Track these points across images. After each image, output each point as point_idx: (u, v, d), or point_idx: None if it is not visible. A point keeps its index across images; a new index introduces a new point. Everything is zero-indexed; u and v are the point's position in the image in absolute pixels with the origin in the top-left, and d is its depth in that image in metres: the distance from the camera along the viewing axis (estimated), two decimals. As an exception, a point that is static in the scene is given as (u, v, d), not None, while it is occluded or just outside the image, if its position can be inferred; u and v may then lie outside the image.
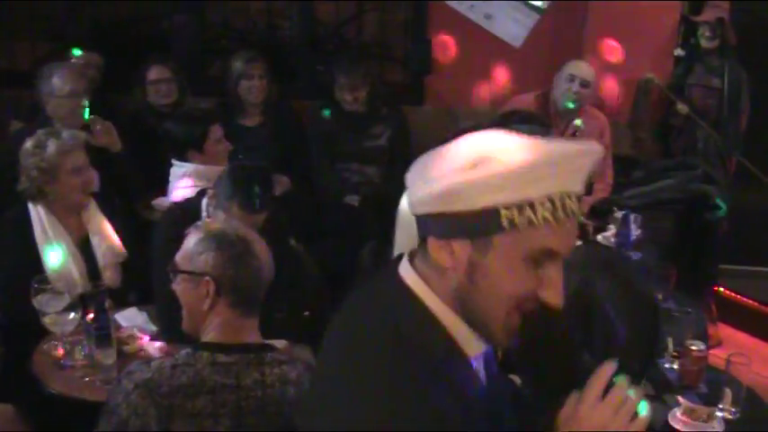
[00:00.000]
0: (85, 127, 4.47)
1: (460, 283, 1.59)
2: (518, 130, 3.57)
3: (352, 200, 5.35)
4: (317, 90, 5.65)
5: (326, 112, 5.47)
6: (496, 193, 1.51)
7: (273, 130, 5.43)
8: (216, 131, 4.42)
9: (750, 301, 5.95)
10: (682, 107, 5.62)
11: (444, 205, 1.55)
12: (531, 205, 1.51)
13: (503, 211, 1.51)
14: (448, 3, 5.82)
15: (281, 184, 5.12)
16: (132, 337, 3.38)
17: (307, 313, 3.85)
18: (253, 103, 5.38)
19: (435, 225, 1.59)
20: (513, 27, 5.85)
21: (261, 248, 2.46)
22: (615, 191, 5.37)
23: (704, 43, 5.71)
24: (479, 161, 1.53)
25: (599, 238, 4.76)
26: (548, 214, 1.52)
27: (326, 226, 5.08)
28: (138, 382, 2.26)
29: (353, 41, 6.50)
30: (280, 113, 5.48)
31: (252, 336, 2.43)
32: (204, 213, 3.64)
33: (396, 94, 5.86)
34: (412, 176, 1.62)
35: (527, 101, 5.34)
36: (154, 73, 5.28)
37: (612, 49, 5.78)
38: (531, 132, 3.49)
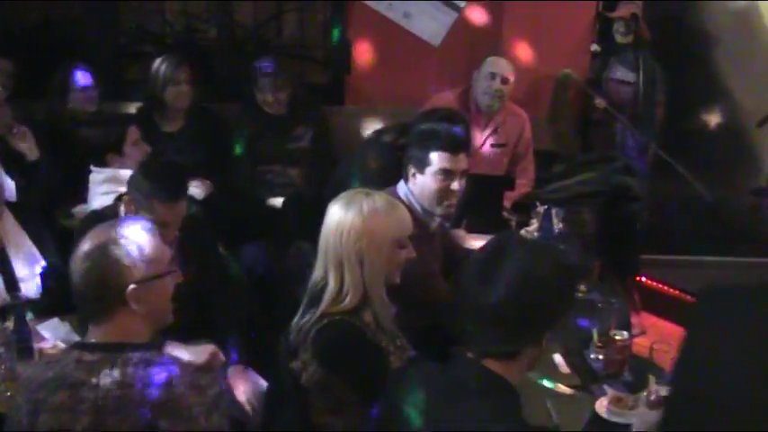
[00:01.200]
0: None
1: None
2: (438, 129, 3.61)
3: (275, 202, 5.31)
4: (238, 93, 5.60)
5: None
6: None
7: (195, 134, 5.36)
8: (133, 133, 4.36)
9: (672, 290, 6.04)
10: (599, 101, 5.71)
11: None
12: None
13: None
14: (367, 2, 5.81)
15: (204, 187, 5.06)
16: (55, 349, 3.31)
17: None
18: (178, 108, 5.30)
19: None
20: (431, 25, 5.86)
21: (77, 257, 2.37)
22: (537, 185, 5.41)
23: (619, 39, 5.83)
24: None
25: (522, 232, 4.80)
26: None
27: (250, 229, 5.03)
28: (21, 381, 2.27)
29: (273, 43, 6.45)
30: (201, 117, 5.40)
31: (122, 335, 2.35)
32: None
33: (316, 95, 5.83)
34: None
35: (447, 99, 5.36)
36: (78, 79, 5.17)
37: (530, 46, 5.83)
38: (450, 131, 3.54)
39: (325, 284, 2.88)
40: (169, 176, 3.53)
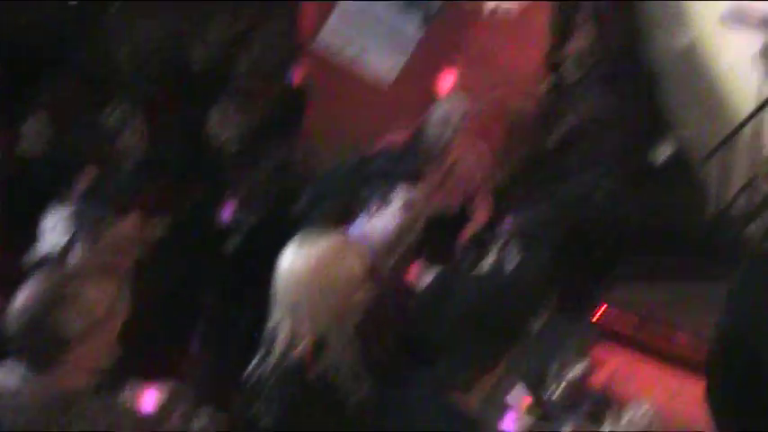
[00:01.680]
0: None
1: None
2: (399, 165, 3.65)
3: (234, 243, 5.28)
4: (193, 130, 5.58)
5: None
6: None
7: (148, 174, 5.33)
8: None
9: (632, 318, 6.11)
10: (552, 136, 5.78)
11: None
12: None
13: None
14: (319, 42, 5.85)
15: (158, 228, 5.02)
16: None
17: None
18: (131, 149, 5.28)
19: None
20: (384, 63, 5.91)
21: None
22: (494, 219, 5.46)
23: (570, 74, 5.92)
24: None
25: (481, 266, 4.83)
26: None
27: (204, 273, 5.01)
28: None
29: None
30: (154, 157, 5.38)
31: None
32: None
33: (273, 134, 5.83)
34: None
35: (402, 137, 5.37)
36: None
37: (484, 82, 5.90)
38: (411, 166, 3.59)
39: (280, 332, 2.86)
40: None
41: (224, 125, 5.33)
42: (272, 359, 2.83)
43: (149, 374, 3.17)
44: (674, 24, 6.36)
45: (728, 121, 6.55)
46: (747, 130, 6.56)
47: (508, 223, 5.38)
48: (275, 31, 6.00)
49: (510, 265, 4.59)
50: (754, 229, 6.74)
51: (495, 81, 5.93)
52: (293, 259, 2.85)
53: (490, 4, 5.83)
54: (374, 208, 3.60)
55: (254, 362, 2.90)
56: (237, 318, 4.45)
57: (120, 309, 2.45)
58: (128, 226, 3.90)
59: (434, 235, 4.66)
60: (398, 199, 3.57)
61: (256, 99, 6.28)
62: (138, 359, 2.99)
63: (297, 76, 5.92)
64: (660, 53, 6.37)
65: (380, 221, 3.59)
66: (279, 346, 2.83)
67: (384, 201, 3.57)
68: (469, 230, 5.21)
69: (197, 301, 4.78)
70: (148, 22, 6.02)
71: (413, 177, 3.66)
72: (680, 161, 6.50)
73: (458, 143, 5.37)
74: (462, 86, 5.86)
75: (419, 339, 2.32)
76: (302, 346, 2.82)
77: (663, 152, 6.46)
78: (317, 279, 2.82)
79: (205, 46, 6.24)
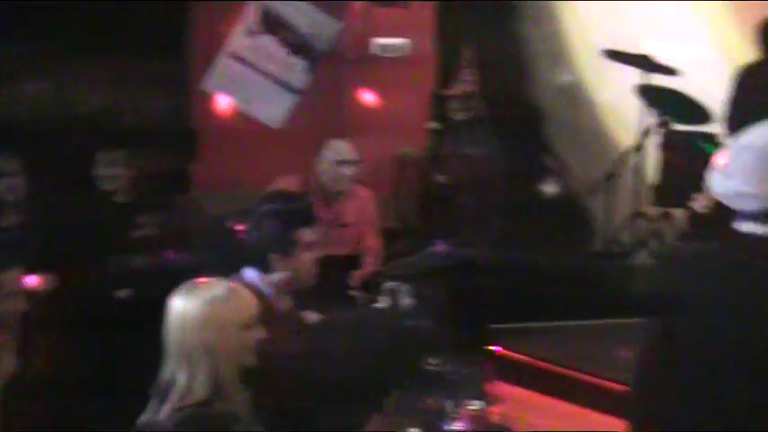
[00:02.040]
0: None
1: None
2: (295, 208, 3.65)
3: (123, 294, 5.19)
4: (79, 180, 5.46)
5: None
6: None
7: (33, 227, 5.20)
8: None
9: (524, 357, 6.17)
10: (440, 177, 5.84)
11: None
12: None
13: None
14: (207, 89, 5.83)
15: (45, 282, 4.89)
16: None
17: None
18: (11, 201, 5.14)
19: None
20: (271, 108, 5.92)
21: None
22: (383, 262, 5.47)
23: (456, 115, 6.00)
24: None
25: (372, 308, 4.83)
26: None
27: (97, 324, 4.90)
28: None
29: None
30: (38, 209, 5.26)
31: None
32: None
33: (163, 183, 5.77)
34: None
35: (290, 182, 5.36)
36: None
37: (371, 126, 5.94)
38: (307, 207, 3.58)
39: (174, 381, 2.82)
40: None
41: (113, 174, 5.23)
42: (168, 407, 2.79)
43: None
44: (556, 62, 6.51)
45: (611, 154, 6.72)
46: (630, 162, 6.76)
47: (399, 266, 5.42)
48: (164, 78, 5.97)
49: (403, 309, 4.60)
50: (639, 259, 6.92)
51: (382, 123, 5.97)
52: (182, 306, 2.82)
53: (381, 41, 5.87)
54: (276, 257, 3.58)
55: (147, 412, 2.85)
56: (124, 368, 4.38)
57: (7, 365, 2.37)
58: (12, 280, 3.82)
59: (326, 278, 4.66)
60: (307, 238, 3.57)
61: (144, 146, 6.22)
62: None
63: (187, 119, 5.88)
64: (543, 91, 6.50)
65: (292, 265, 3.57)
66: (175, 395, 2.79)
67: (292, 244, 3.55)
68: (361, 274, 5.21)
69: (87, 354, 4.67)
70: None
71: (307, 221, 3.64)
72: (566, 196, 6.65)
73: (347, 187, 5.39)
74: (352, 129, 5.90)
75: (311, 382, 2.31)
76: (200, 392, 2.78)
77: (549, 188, 6.60)
78: (207, 323, 2.78)
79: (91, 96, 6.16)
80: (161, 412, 2.80)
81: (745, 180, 2.36)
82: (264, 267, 3.56)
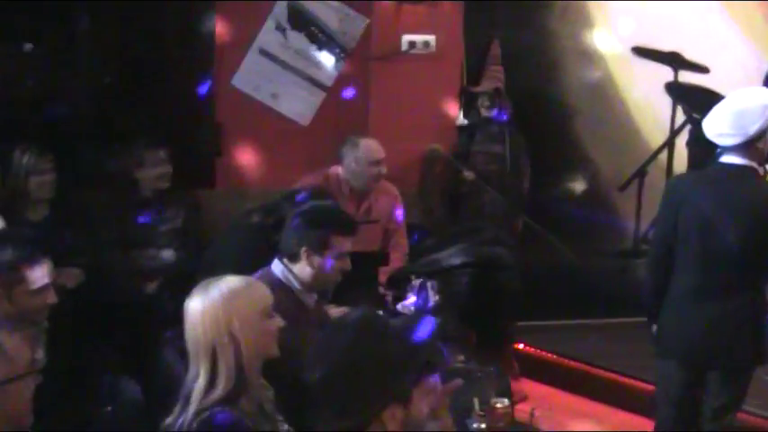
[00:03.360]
0: None
1: None
2: (334, 211, 3.69)
3: (151, 288, 5.20)
4: (107, 176, 5.48)
5: None
6: None
7: (60, 222, 5.22)
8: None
9: (548, 354, 6.16)
10: (467, 174, 5.83)
11: None
12: None
13: None
14: (234, 85, 5.83)
15: (73, 277, 4.92)
16: None
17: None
18: (41, 198, 5.16)
19: None
20: (299, 105, 5.92)
21: None
22: (410, 259, 5.46)
23: (484, 112, 5.98)
24: None
25: (398, 307, 4.82)
26: None
27: (123, 317, 4.91)
28: None
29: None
30: (66, 205, 5.28)
31: None
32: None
33: (186, 178, 5.77)
34: None
35: (316, 179, 5.36)
36: None
37: (397, 123, 5.93)
38: (346, 214, 3.64)
39: (196, 380, 2.82)
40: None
41: (159, 173, 5.25)
42: (191, 408, 2.79)
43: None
44: (584, 60, 6.48)
45: (641, 152, 6.69)
46: (661, 159, 6.72)
47: (426, 263, 5.39)
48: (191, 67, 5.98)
49: (429, 305, 4.60)
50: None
51: (409, 120, 5.95)
52: (201, 304, 2.84)
53: (408, 38, 5.86)
54: (307, 253, 3.59)
55: (171, 416, 2.85)
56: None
57: (39, 361, 2.37)
58: (42, 274, 3.86)
59: (353, 275, 4.65)
60: (340, 245, 3.61)
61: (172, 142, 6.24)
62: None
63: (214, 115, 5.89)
64: (571, 89, 6.47)
65: (318, 266, 3.60)
66: (196, 393, 2.79)
67: (324, 246, 3.58)
68: (388, 271, 5.20)
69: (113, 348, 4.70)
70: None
71: (345, 230, 3.69)
72: (593, 194, 6.61)
73: (374, 185, 5.37)
74: (377, 126, 5.89)
75: (305, 386, 2.33)
76: (222, 388, 2.78)
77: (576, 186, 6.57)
78: (226, 314, 2.80)
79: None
80: (185, 414, 2.80)
81: (724, 124, 3.73)
82: (293, 258, 3.57)
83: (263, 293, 2.96)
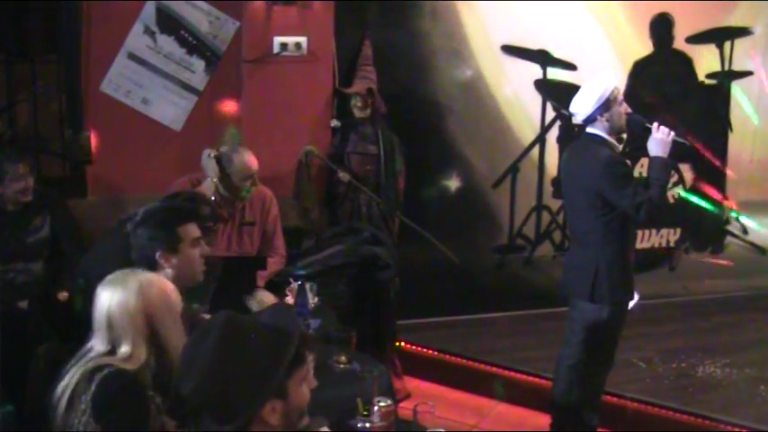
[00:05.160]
0: None
1: None
2: (173, 205, 3.62)
3: (23, 304, 5.04)
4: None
5: None
6: None
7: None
8: None
9: (430, 351, 6.23)
10: (342, 175, 5.83)
11: None
12: None
13: None
14: (103, 91, 5.71)
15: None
16: None
17: None
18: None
19: None
20: (171, 110, 5.83)
21: None
22: (288, 262, 5.44)
23: (357, 113, 6.01)
24: None
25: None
26: None
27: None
28: None
29: (6, 135, 6.17)
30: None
31: None
32: None
33: (57, 188, 5.62)
34: None
35: (184, 184, 5.26)
36: None
37: (270, 126, 5.89)
38: (174, 210, 3.58)
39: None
40: None
41: (21, 188, 5.08)
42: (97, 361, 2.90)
43: None
44: (455, 59, 6.56)
45: (513, 148, 6.82)
46: (533, 155, 6.87)
47: (304, 265, 5.39)
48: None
49: (309, 307, 4.59)
50: (543, 251, 7.04)
51: (282, 123, 5.93)
52: (120, 294, 2.93)
53: (280, 40, 5.83)
54: (163, 257, 3.52)
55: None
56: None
57: None
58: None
59: (231, 281, 4.61)
60: (191, 233, 3.54)
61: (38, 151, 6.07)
62: None
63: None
64: (443, 88, 6.54)
65: (179, 264, 3.53)
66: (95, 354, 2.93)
67: (176, 241, 3.51)
68: (266, 274, 5.17)
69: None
70: None
71: (189, 216, 3.61)
72: (468, 192, 6.71)
73: (249, 188, 5.31)
74: (250, 130, 5.85)
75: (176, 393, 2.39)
76: (132, 361, 2.90)
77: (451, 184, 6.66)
78: (153, 301, 2.96)
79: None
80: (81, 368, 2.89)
81: (575, 106, 4.61)
82: (152, 266, 3.50)
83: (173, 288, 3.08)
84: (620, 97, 4.57)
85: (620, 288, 4.59)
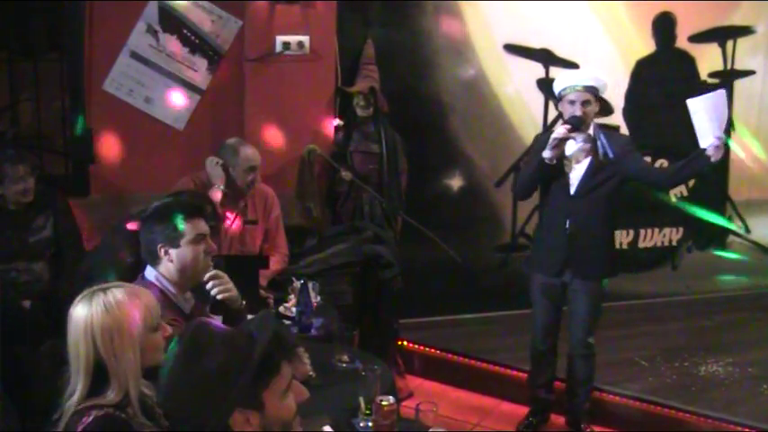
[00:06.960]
0: None
1: None
2: (176, 200, 3.61)
3: (25, 304, 5.04)
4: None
5: None
6: None
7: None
8: None
9: (432, 350, 6.23)
10: (345, 174, 5.84)
11: None
12: None
13: None
14: (106, 90, 5.71)
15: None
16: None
17: None
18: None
19: None
20: (174, 109, 5.84)
21: None
22: (291, 261, 5.45)
23: (360, 112, 6.01)
24: None
25: (281, 309, 4.81)
26: None
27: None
28: None
29: (8, 133, 6.18)
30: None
31: None
32: None
33: (60, 187, 5.62)
34: None
35: (187, 183, 5.27)
36: None
37: (273, 124, 5.90)
38: (178, 205, 3.56)
39: (77, 386, 2.75)
40: None
41: (5, 187, 5.09)
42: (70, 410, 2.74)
43: None
44: (458, 58, 6.56)
45: (515, 147, 6.82)
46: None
47: (307, 264, 5.40)
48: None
49: (311, 306, 4.60)
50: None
51: (285, 122, 5.93)
52: (86, 314, 2.72)
53: (282, 39, 5.83)
54: (164, 250, 3.52)
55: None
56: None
57: None
58: None
59: (234, 280, 4.60)
60: (193, 229, 3.53)
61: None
62: None
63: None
64: (446, 87, 6.54)
65: (180, 258, 3.52)
66: (77, 398, 2.74)
67: (178, 236, 3.50)
68: (269, 273, 5.17)
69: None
70: None
71: (193, 212, 3.60)
72: (471, 190, 6.71)
73: (248, 191, 5.31)
74: (253, 129, 5.85)
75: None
76: (114, 395, 2.71)
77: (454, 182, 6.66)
78: (113, 328, 2.72)
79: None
80: (64, 415, 2.74)
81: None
82: (155, 260, 3.50)
83: (150, 305, 2.86)
84: (572, 98, 4.90)
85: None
